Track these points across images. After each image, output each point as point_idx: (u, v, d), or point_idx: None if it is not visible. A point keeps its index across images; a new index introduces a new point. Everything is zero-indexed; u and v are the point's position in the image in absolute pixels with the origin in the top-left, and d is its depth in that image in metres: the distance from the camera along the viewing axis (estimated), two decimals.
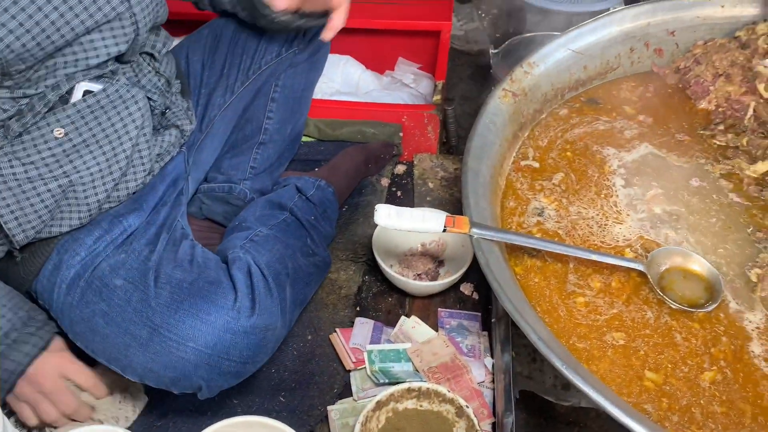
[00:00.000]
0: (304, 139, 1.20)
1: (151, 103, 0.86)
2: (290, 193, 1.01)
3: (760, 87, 0.93)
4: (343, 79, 1.41)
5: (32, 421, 0.78)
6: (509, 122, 0.91)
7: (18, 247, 0.78)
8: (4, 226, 0.75)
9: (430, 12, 1.42)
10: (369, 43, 1.49)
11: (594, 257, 0.71)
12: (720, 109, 0.96)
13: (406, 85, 1.43)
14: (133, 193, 0.86)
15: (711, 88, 0.98)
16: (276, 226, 0.91)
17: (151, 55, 0.88)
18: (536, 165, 0.90)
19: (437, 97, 1.18)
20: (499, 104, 0.90)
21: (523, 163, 0.91)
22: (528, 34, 1.45)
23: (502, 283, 0.65)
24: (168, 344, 0.72)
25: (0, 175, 0.73)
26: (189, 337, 0.71)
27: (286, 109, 1.06)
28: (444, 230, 0.70)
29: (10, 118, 0.74)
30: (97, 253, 0.80)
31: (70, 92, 0.77)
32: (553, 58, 0.98)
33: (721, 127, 0.93)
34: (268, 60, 1.03)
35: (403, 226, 0.71)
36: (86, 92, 0.78)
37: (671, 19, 1.04)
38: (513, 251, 0.77)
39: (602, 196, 0.84)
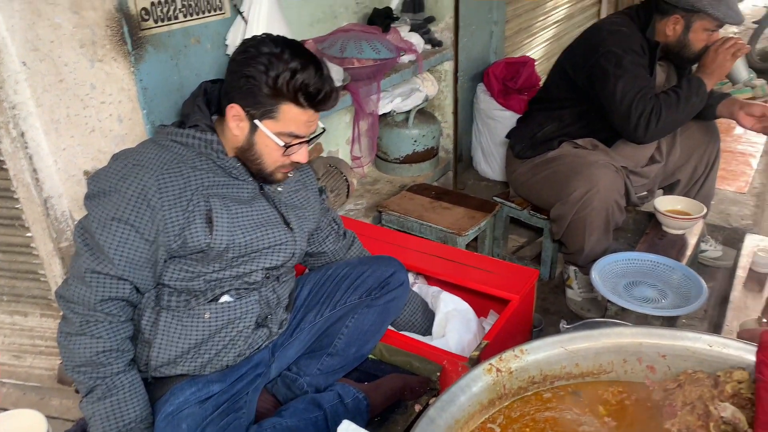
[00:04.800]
0: (370, 356, 1.58)
1: (260, 312, 1.34)
2: (331, 397, 1.36)
3: (711, 425, 1.08)
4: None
5: None
6: (486, 391, 1.17)
7: (152, 377, 1.28)
8: (154, 358, 1.25)
9: (511, 283, 1.76)
10: (468, 296, 1.87)
11: None
12: None
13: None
14: (226, 366, 1.31)
15: (678, 413, 1.14)
16: (305, 419, 1.27)
17: (277, 279, 1.38)
18: (498, 430, 1.14)
19: (476, 353, 1.47)
20: (481, 374, 1.18)
21: (489, 425, 1.15)
22: (599, 319, 1.70)
23: None
24: None
25: (164, 324, 1.25)
26: None
27: (354, 335, 1.46)
28: None
29: (196, 297, 1.27)
30: (187, 402, 1.24)
31: (219, 297, 1.29)
32: (545, 351, 1.23)
33: None
34: (353, 299, 1.47)
35: None
36: (226, 300, 1.30)
37: (664, 345, 1.23)
38: None
39: None
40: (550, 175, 2.30)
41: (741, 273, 2.12)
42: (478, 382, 1.18)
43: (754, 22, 5.66)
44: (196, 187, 1.24)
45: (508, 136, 2.56)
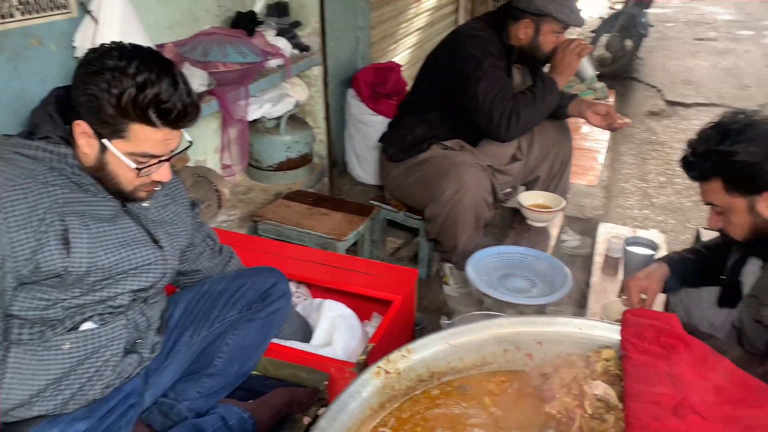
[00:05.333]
0: (253, 372, 1.51)
1: (128, 337, 1.23)
2: (214, 420, 1.28)
3: (586, 404, 1.14)
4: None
5: None
6: (376, 395, 1.16)
7: (3, 423, 1.12)
8: (3, 402, 1.09)
9: (392, 284, 1.77)
10: (350, 300, 1.85)
11: None
12: (558, 416, 1.17)
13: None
14: (93, 400, 1.18)
15: (556, 395, 1.20)
16: None
17: (145, 300, 1.27)
18: None
19: (362, 357, 1.46)
20: (370, 378, 1.16)
21: (380, 429, 1.14)
22: (477, 312, 1.76)
23: None
24: None
25: (14, 361, 1.10)
26: None
27: (235, 352, 1.39)
28: None
29: (53, 326, 1.12)
30: None
31: (80, 324, 1.17)
32: (432, 348, 1.24)
33: None
34: (232, 315, 1.39)
35: None
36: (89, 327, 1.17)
37: (539, 332, 1.29)
38: None
39: None
40: (422, 177, 2.36)
41: (598, 259, 2.31)
42: (367, 387, 1.16)
43: (591, 32, 6.25)
44: (49, 205, 1.10)
45: (380, 140, 2.59)
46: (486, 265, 2.00)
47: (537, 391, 1.24)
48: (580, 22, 2.34)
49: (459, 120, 2.36)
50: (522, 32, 2.34)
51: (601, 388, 1.14)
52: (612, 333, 1.24)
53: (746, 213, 1.40)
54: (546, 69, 2.44)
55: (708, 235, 2.42)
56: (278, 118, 2.85)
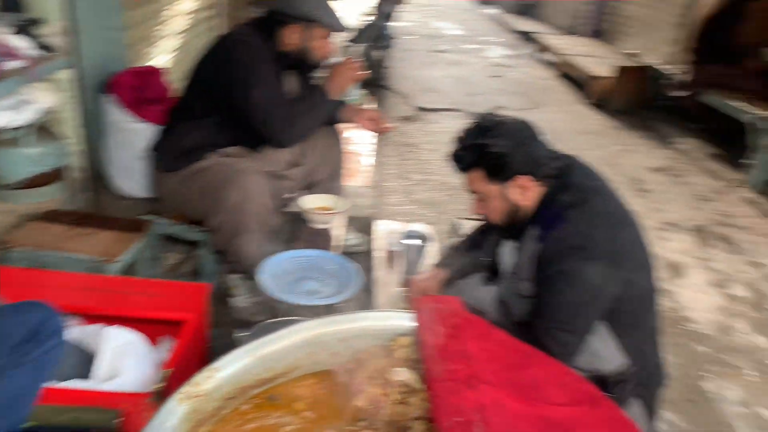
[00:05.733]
0: (27, 424, 1.30)
1: None
2: None
3: (391, 391, 1.22)
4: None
5: None
6: (185, 422, 1.08)
7: None
8: None
9: (182, 303, 1.67)
10: (133, 327, 1.69)
11: None
12: (368, 407, 1.23)
13: None
14: None
15: (363, 388, 1.26)
16: None
17: None
18: None
19: (160, 384, 1.35)
20: (175, 406, 1.09)
21: None
22: (275, 320, 1.74)
23: None
24: None
25: None
26: None
27: (2, 404, 1.17)
28: None
29: None
30: None
31: None
32: (237, 363, 1.21)
33: (364, 424, 1.19)
34: None
35: None
36: None
37: (341, 329, 1.33)
38: None
39: None
40: (202, 187, 2.27)
41: (378, 254, 2.46)
42: (173, 415, 1.08)
43: (350, 41, 6.60)
44: None
45: (154, 149, 2.42)
46: (277, 272, 2.00)
47: (345, 387, 1.29)
48: (342, 28, 2.48)
49: (236, 127, 2.32)
50: (291, 38, 2.38)
51: (403, 374, 1.23)
52: (406, 321, 1.34)
53: (501, 199, 1.63)
54: (317, 73, 2.53)
55: (463, 224, 2.75)
56: (20, 128, 2.47)
